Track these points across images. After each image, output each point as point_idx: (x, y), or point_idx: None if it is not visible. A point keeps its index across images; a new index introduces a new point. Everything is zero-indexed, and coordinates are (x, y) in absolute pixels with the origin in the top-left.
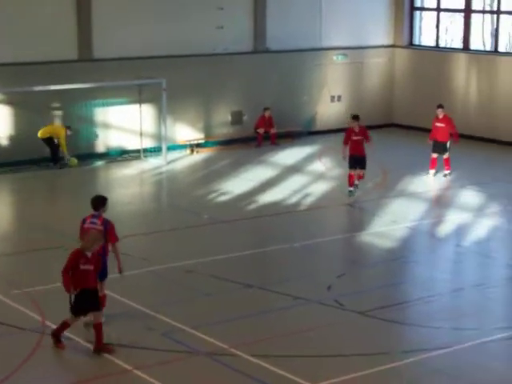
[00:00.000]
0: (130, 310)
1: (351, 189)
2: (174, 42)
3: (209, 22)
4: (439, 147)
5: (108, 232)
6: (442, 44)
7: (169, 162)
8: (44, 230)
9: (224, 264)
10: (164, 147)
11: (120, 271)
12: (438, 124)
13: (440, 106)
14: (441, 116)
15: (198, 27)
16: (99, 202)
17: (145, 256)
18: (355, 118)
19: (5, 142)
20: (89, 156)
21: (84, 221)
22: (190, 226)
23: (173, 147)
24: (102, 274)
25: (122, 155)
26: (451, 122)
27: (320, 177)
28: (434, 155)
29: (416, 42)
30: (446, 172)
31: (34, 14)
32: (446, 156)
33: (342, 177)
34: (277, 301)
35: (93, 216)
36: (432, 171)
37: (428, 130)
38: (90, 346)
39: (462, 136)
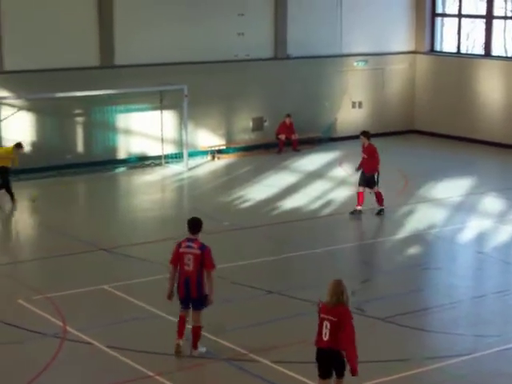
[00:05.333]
0: (151, 315)
1: (356, 208)
2: (196, 48)
3: (230, 29)
4: (363, 179)
5: (205, 257)
6: (463, 50)
7: (190, 169)
8: (66, 236)
9: (244, 270)
10: (185, 153)
11: (210, 302)
12: (363, 154)
13: (362, 134)
14: (365, 145)
15: (220, 33)
16: (198, 225)
17: (165, 262)
18: (363, 134)
19: (28, 148)
20: (110, 162)
21: (179, 245)
22: (210, 232)
23: (194, 153)
24: (199, 302)
25: (143, 161)
26: (374, 153)
27: (341, 183)
28: (360, 189)
29: (437, 48)
30: (378, 208)
31: (56, 22)
32: (373, 190)
33: None
34: (297, 307)
35: (189, 240)
36: (358, 208)
37: (450, 137)
38: (111, 352)
39: (485, 142)
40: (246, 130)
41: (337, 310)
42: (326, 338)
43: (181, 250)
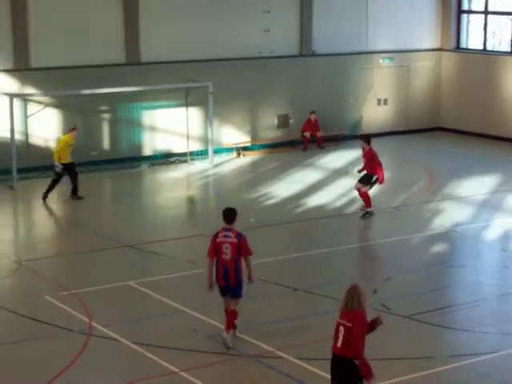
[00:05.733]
0: (176, 311)
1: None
2: (221, 45)
3: (255, 26)
4: (361, 178)
5: (242, 245)
6: (489, 47)
7: (215, 165)
8: (92, 233)
9: (270, 267)
10: (210, 150)
11: (251, 280)
12: (363, 159)
13: (362, 138)
14: (365, 149)
15: (245, 30)
16: (233, 215)
17: (191, 258)
18: (363, 138)
19: (53, 144)
20: (135, 159)
21: (216, 235)
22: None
23: (219, 150)
24: (238, 289)
25: (168, 158)
26: (373, 158)
27: None
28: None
29: (463, 45)
30: (365, 210)
31: (82, 19)
32: (362, 188)
33: (388, 181)
34: (322, 304)
35: (225, 229)
36: (369, 209)
37: (475, 135)
38: (136, 347)
39: (510, 140)
40: (271, 127)
41: (351, 315)
42: (339, 343)
43: (218, 240)
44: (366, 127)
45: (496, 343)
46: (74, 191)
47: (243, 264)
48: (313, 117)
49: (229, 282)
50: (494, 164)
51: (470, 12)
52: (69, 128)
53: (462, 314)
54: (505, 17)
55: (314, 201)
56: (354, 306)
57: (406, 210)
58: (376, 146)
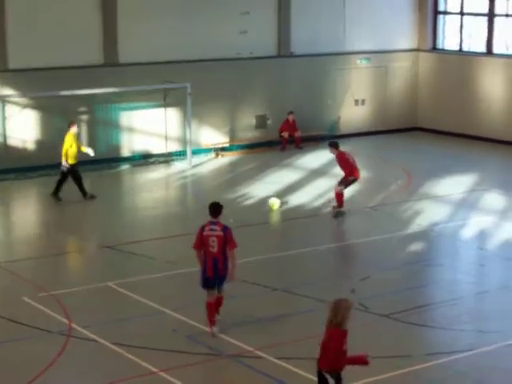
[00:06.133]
0: (156, 312)
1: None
2: (199, 46)
3: (234, 27)
4: (341, 180)
5: (228, 238)
6: (465, 48)
7: (194, 166)
8: (71, 234)
9: (249, 267)
10: (189, 151)
11: (232, 277)
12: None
13: (329, 145)
14: (335, 155)
15: (223, 31)
16: (218, 209)
17: (169, 259)
18: (330, 145)
19: (31, 146)
20: (113, 160)
21: (202, 228)
22: None
23: (198, 151)
24: (224, 279)
25: (146, 159)
26: (345, 162)
27: None
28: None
29: (440, 45)
30: (336, 210)
31: (60, 20)
32: (337, 188)
33: (366, 180)
34: (301, 303)
35: (211, 223)
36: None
37: (453, 134)
38: (116, 348)
39: (487, 139)
40: (249, 128)
41: (329, 331)
42: (321, 357)
43: (204, 233)
44: (344, 127)
45: (473, 341)
46: (83, 192)
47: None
48: (291, 117)
49: (218, 272)
50: (471, 163)
51: (446, 13)
52: (69, 123)
53: (439, 312)
54: (480, 18)
55: (292, 201)
56: (334, 322)
57: (383, 210)
58: (354, 146)
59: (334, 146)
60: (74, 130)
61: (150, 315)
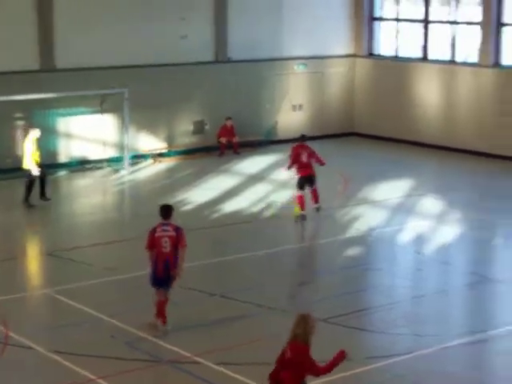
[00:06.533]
0: (93, 319)
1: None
2: (137, 51)
3: (171, 32)
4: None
5: (180, 237)
6: (401, 54)
7: (131, 172)
8: (6, 240)
9: (187, 273)
10: (126, 157)
11: (179, 276)
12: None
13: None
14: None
15: (160, 37)
16: (170, 211)
17: (107, 265)
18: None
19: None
20: (51, 166)
21: (154, 230)
22: None
23: (135, 157)
24: (173, 279)
25: (84, 165)
26: (292, 156)
27: (282, 185)
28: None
29: (376, 51)
30: (300, 213)
31: None
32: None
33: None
34: (240, 309)
35: (163, 224)
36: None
37: (389, 140)
38: (54, 356)
39: (423, 145)
40: (187, 133)
41: (291, 345)
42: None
43: (156, 234)
44: (282, 133)
45: (410, 344)
46: (43, 193)
47: None
48: (229, 123)
49: (169, 273)
50: (408, 168)
51: (382, 19)
52: (24, 128)
53: (378, 316)
54: (416, 24)
55: (230, 206)
56: (297, 336)
57: (321, 215)
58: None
59: (299, 138)
60: (35, 134)
61: (88, 322)
